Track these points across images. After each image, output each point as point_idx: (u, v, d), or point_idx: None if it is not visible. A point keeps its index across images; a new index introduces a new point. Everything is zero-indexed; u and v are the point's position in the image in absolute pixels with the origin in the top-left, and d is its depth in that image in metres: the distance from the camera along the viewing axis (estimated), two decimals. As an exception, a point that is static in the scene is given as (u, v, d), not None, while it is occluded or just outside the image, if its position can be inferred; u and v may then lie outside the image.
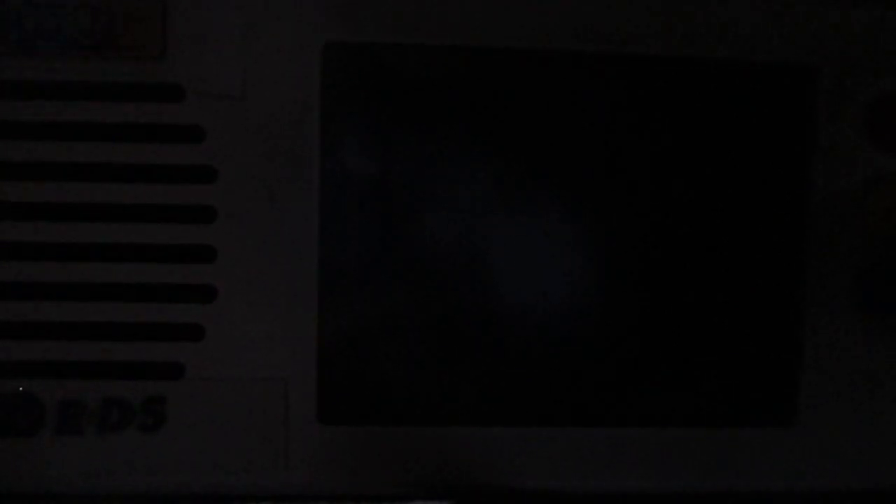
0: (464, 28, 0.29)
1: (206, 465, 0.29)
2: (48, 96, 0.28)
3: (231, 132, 0.28)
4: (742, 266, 0.30)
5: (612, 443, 0.30)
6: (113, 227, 0.28)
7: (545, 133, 0.29)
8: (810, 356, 0.30)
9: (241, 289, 0.29)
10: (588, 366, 0.30)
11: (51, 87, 0.28)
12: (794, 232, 0.30)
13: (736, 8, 0.29)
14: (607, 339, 0.30)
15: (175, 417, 0.29)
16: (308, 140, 0.29)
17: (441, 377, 0.30)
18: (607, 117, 0.29)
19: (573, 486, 0.30)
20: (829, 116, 0.29)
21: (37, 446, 0.29)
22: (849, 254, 0.30)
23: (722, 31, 0.29)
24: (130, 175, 0.28)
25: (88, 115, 0.28)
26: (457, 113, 0.29)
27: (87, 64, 0.28)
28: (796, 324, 0.30)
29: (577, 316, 0.30)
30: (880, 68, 0.29)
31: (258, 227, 0.29)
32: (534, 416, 0.30)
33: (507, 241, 0.29)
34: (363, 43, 0.28)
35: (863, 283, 0.30)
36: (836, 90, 0.29)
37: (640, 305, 0.30)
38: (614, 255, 0.30)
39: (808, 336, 0.30)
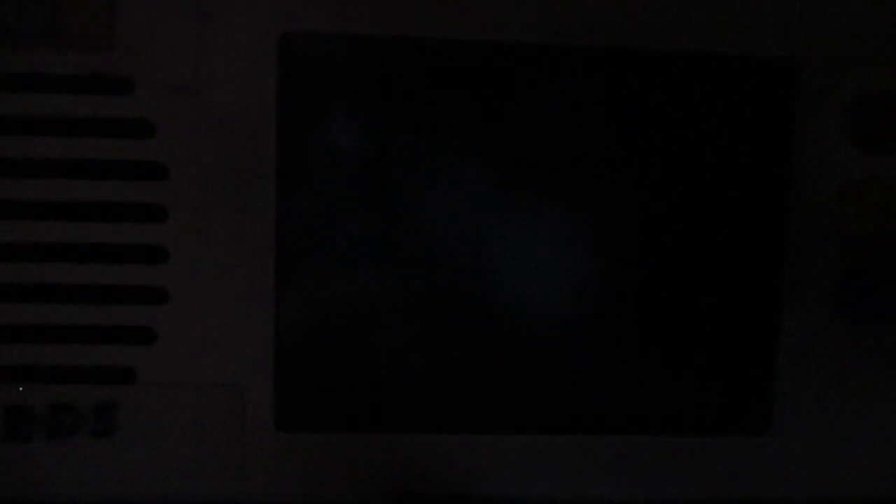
0: (422, 18, 0.27)
1: (160, 474, 0.28)
2: (-15, 88, 0.27)
3: (182, 127, 0.27)
4: (718, 271, 0.29)
5: (585, 451, 0.29)
6: (58, 226, 0.27)
7: (510, 126, 0.28)
8: (786, 363, 0.29)
9: (194, 291, 0.28)
10: (561, 374, 0.29)
11: (-12, 79, 0.27)
12: (773, 234, 0.29)
13: (718, 1, 0.28)
14: (581, 347, 0.29)
15: (127, 424, 0.28)
16: (264, 135, 0.27)
17: (403, 383, 0.29)
18: (583, 111, 0.28)
19: (544, 494, 0.29)
20: (811, 113, 0.28)
21: (-17, 452, 0.28)
22: (827, 257, 0.29)
23: (703, 25, 0.28)
24: (76, 171, 0.27)
25: (30, 108, 0.27)
26: (418, 105, 0.28)
27: (29, 54, 0.26)
28: (772, 330, 0.29)
29: (549, 324, 0.29)
30: (864, 65, 0.28)
31: (212, 226, 0.27)
32: (504, 423, 0.29)
33: (473, 245, 0.28)
34: (321, 33, 0.27)
35: (843, 289, 0.29)
36: (819, 86, 0.28)
37: (614, 315, 0.29)
38: (589, 261, 0.29)
39: (783, 343, 0.29)
